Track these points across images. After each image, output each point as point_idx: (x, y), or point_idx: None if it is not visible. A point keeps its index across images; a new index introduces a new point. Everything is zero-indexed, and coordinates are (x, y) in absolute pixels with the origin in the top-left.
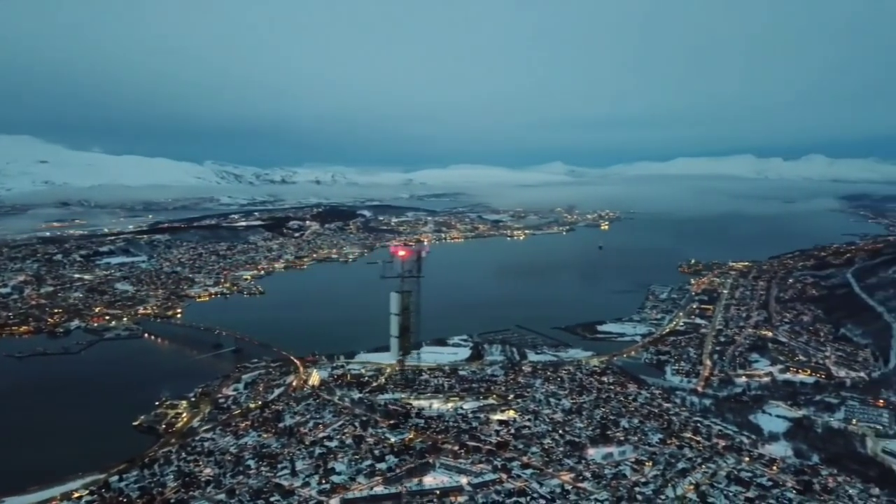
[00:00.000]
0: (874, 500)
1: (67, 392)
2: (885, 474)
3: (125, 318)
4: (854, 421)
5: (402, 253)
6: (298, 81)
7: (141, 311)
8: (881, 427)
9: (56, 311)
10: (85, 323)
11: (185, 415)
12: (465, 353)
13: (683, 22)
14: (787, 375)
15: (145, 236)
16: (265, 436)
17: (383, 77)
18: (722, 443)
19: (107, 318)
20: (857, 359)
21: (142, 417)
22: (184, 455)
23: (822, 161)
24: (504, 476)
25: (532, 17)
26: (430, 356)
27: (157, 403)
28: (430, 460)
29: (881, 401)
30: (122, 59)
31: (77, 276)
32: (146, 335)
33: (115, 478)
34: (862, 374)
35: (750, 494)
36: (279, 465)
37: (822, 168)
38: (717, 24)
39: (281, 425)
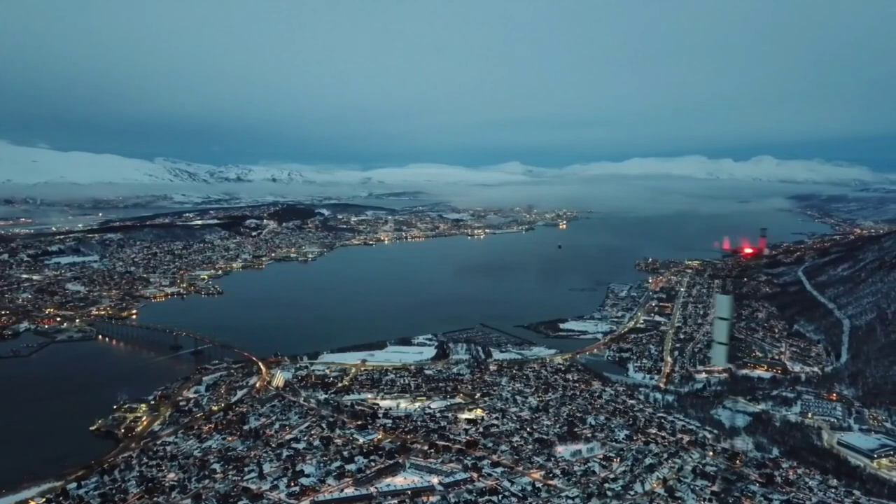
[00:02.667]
0: (833, 490)
1: (18, 396)
2: (841, 465)
3: (77, 320)
4: (810, 414)
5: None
6: (251, 78)
7: (94, 312)
8: (835, 420)
9: (3, 312)
10: (35, 325)
11: (144, 418)
12: (430, 352)
13: (634, 24)
14: (745, 371)
15: (96, 235)
16: (230, 439)
17: (338, 74)
18: (686, 438)
19: (58, 319)
20: (811, 354)
21: (99, 422)
22: (145, 460)
23: (770, 162)
24: (475, 475)
25: (487, 16)
26: (395, 356)
27: (114, 407)
28: (400, 460)
29: (834, 395)
30: (67, 51)
31: (25, 276)
32: (100, 337)
33: (74, 485)
34: (816, 368)
35: (715, 488)
36: (246, 469)
37: (770, 169)
38: (669, 26)
39: (246, 428)
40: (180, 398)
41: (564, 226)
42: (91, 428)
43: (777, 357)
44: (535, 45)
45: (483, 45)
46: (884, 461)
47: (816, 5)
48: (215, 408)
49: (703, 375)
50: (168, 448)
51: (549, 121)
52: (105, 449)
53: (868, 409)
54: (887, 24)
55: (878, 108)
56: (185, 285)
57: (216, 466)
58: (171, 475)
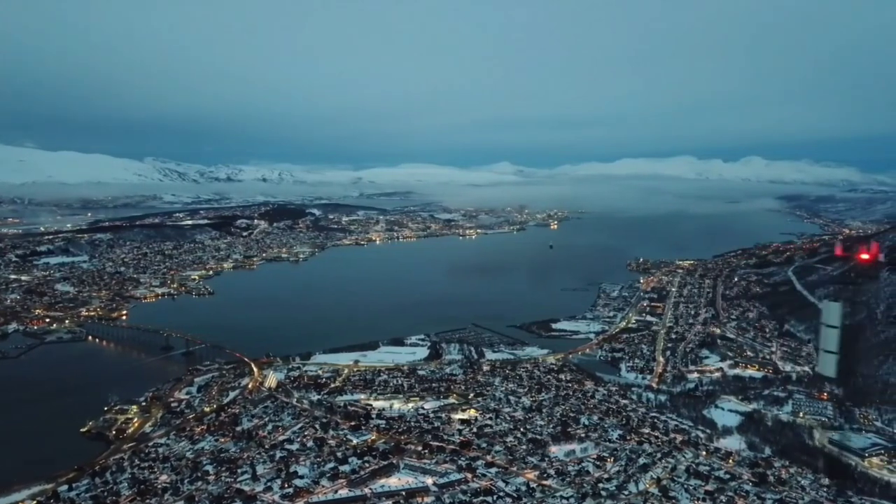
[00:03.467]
0: (825, 490)
1: (7, 398)
2: (833, 464)
3: (67, 321)
4: (801, 414)
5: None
6: (242, 78)
7: (84, 312)
8: (826, 419)
9: None
10: (24, 326)
11: (135, 420)
12: (423, 352)
13: (628, 25)
14: (737, 371)
15: (86, 235)
16: (222, 440)
17: (329, 75)
18: (679, 437)
19: (47, 320)
20: (802, 353)
21: (90, 423)
22: (137, 462)
23: (759, 163)
24: (469, 475)
25: (477, 17)
26: (388, 356)
27: (105, 409)
28: (394, 461)
29: (825, 394)
30: (54, 50)
31: (13, 276)
32: (90, 338)
33: (65, 487)
34: (806, 368)
35: (709, 487)
36: (239, 470)
37: (759, 169)
38: (662, 28)
39: (238, 429)
40: (172, 399)
41: (556, 226)
42: (82, 430)
43: (768, 356)
44: (530, 45)
45: (476, 45)
46: (875, 460)
47: (801, 9)
48: (207, 409)
49: (695, 375)
50: (160, 450)
51: (541, 121)
52: (96, 451)
53: (858, 409)
54: (875, 28)
55: (865, 109)
56: (175, 286)
57: (209, 468)
58: (164, 477)
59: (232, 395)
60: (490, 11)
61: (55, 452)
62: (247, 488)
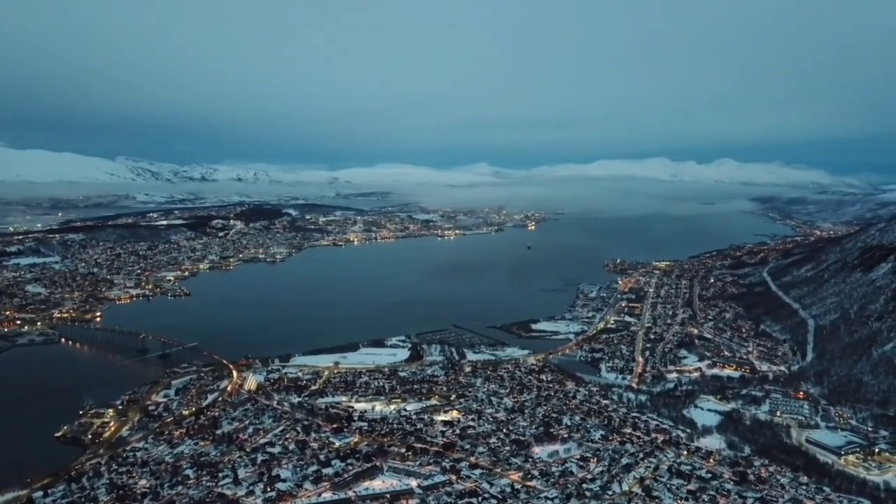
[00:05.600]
0: (804, 487)
1: None
2: (811, 462)
3: (39, 323)
4: (779, 413)
5: None
6: (215, 76)
7: (56, 314)
8: (803, 418)
9: None
10: None
11: (112, 424)
12: (403, 353)
13: (599, 24)
14: (715, 370)
15: (57, 235)
16: (202, 443)
17: (302, 74)
18: (661, 437)
19: (18, 322)
20: (778, 353)
21: (65, 427)
22: (115, 466)
23: (732, 165)
24: (454, 477)
25: (451, 17)
26: (369, 358)
27: (80, 412)
28: (378, 463)
29: (801, 393)
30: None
31: None
32: (63, 340)
33: (40, 493)
34: (782, 367)
35: (691, 487)
36: (220, 474)
37: (732, 171)
38: (639, 29)
39: (218, 432)
40: (149, 402)
41: (533, 227)
42: (56, 434)
43: (745, 356)
44: (507, 45)
45: (454, 46)
46: (851, 458)
47: (769, 14)
48: (186, 412)
49: (674, 375)
50: (138, 454)
51: (518, 121)
52: (72, 456)
53: (834, 407)
54: (840, 33)
55: (833, 113)
56: (150, 287)
57: (189, 472)
58: (143, 482)
59: (211, 397)
60: (470, 12)
61: (29, 457)
62: (229, 492)
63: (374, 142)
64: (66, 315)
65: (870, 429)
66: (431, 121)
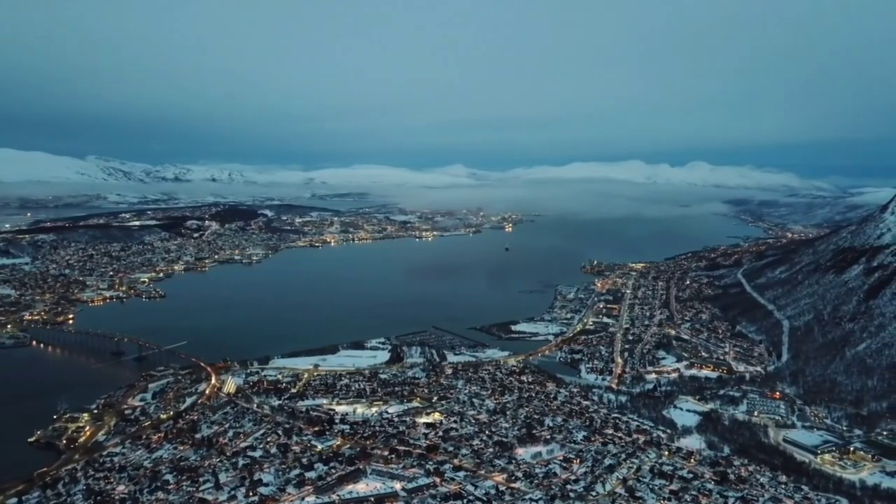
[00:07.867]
0: (783, 486)
1: None
2: (788, 461)
3: (9, 326)
4: (756, 413)
5: None
6: (187, 74)
7: (27, 317)
8: (780, 418)
9: None
10: None
11: (87, 428)
12: (384, 355)
13: (572, 27)
14: (693, 371)
15: (27, 236)
16: (181, 448)
17: (278, 74)
18: (642, 438)
19: None
20: (754, 354)
21: (38, 432)
22: (91, 472)
23: (705, 168)
24: (438, 480)
25: (428, 20)
26: (349, 360)
27: (54, 417)
28: (361, 466)
29: (777, 393)
30: None
31: None
32: (35, 343)
33: (14, 500)
34: (759, 368)
35: (674, 487)
36: (201, 479)
37: (705, 174)
38: (612, 29)
39: (198, 436)
40: (125, 406)
41: (510, 228)
42: (30, 439)
43: (722, 357)
44: (486, 48)
45: (433, 46)
46: (827, 457)
47: (741, 20)
48: (164, 416)
49: (653, 376)
50: (115, 459)
51: (492, 123)
52: (46, 461)
53: (809, 407)
54: (807, 37)
55: (802, 117)
56: (124, 288)
57: (169, 477)
58: (121, 488)
59: (189, 401)
60: (440, 15)
61: (2, 463)
62: (210, 497)
63: (350, 142)
64: (37, 317)
65: (844, 428)
66: (408, 122)
